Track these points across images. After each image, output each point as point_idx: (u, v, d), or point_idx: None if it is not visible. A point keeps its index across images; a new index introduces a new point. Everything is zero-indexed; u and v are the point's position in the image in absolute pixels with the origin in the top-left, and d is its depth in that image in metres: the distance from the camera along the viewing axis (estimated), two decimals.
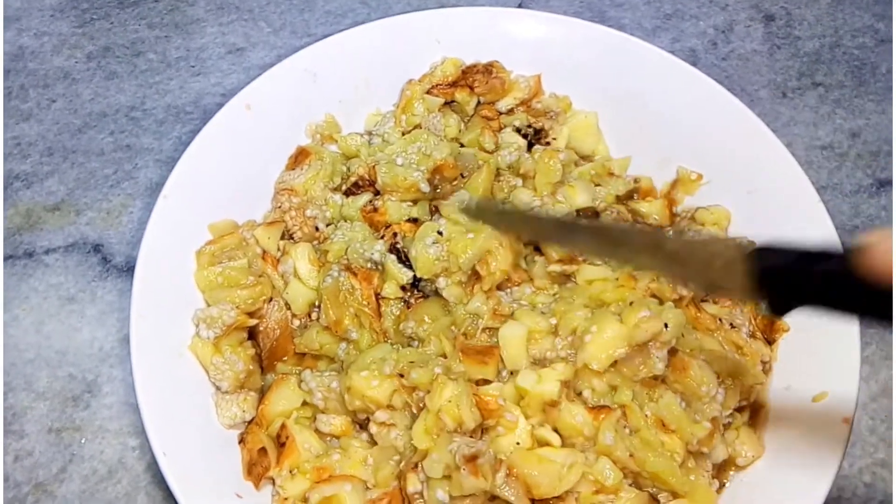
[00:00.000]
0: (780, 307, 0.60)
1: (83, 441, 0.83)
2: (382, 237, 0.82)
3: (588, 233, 0.67)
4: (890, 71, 1.15)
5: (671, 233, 0.72)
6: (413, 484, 0.67)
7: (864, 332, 0.91)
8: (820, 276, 0.55)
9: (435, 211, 0.85)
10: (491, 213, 0.77)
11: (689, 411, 0.71)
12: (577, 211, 0.83)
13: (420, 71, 0.96)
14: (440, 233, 0.78)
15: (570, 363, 0.71)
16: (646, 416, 0.69)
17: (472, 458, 0.64)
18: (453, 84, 0.93)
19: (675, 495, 0.67)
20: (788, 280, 0.58)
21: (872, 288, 0.49)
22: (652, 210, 0.88)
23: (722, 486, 0.71)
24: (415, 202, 0.85)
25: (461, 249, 0.75)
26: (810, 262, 0.56)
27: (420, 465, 0.67)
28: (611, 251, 0.66)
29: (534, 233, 0.76)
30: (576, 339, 0.71)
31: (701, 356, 0.72)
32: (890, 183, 1.05)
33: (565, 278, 0.79)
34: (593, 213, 0.83)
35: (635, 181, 0.91)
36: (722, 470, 0.71)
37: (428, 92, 0.93)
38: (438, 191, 0.86)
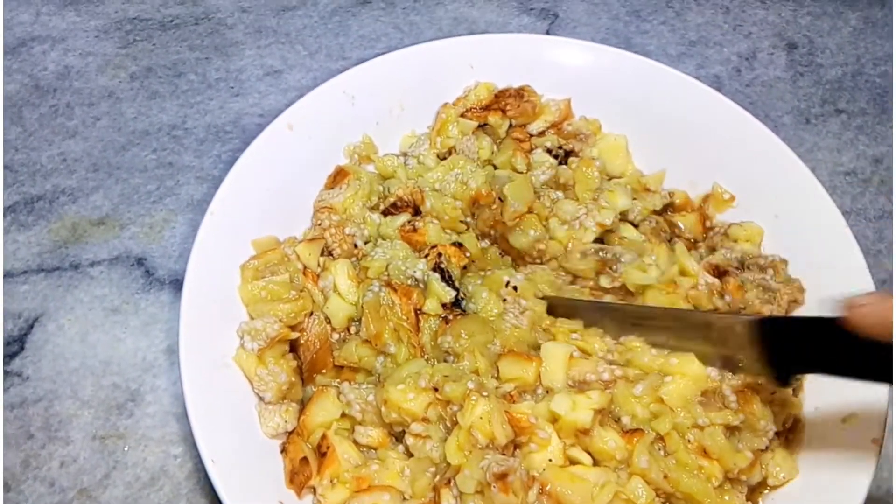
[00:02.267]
0: (784, 377, 0.67)
1: (126, 448, 0.86)
2: (425, 256, 0.84)
3: (610, 315, 0.76)
4: None
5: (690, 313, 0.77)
6: (447, 499, 0.69)
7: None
8: (819, 341, 0.61)
9: (492, 241, 0.87)
10: (573, 309, 0.80)
11: (732, 440, 0.71)
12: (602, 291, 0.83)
13: (453, 95, 0.99)
14: (515, 288, 0.80)
15: (609, 391, 0.72)
16: (688, 441, 0.71)
17: (502, 476, 0.66)
18: (486, 107, 0.97)
19: None
20: (790, 347, 0.64)
21: (865, 347, 0.53)
22: (687, 223, 0.91)
23: None
24: (458, 232, 0.89)
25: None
26: (810, 328, 0.63)
27: (453, 481, 0.69)
28: (637, 332, 0.75)
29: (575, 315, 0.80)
30: (652, 377, 0.72)
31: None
32: None
33: None
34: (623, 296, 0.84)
35: (670, 195, 0.94)
36: (754, 491, 0.72)
37: (462, 115, 0.96)
38: (475, 217, 0.89)
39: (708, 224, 0.92)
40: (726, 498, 0.68)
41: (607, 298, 0.81)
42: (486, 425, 0.69)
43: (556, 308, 0.80)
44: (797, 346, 0.64)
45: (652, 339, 0.74)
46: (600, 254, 0.82)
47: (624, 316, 0.75)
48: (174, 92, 1.16)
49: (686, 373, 0.70)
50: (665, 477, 0.68)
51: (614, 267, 0.81)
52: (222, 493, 0.67)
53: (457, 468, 0.69)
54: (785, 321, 0.66)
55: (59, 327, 0.94)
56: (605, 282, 0.81)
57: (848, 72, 1.21)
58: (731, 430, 0.70)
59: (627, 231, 0.87)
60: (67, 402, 0.89)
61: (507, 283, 0.80)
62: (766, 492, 0.72)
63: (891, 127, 1.15)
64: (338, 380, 0.80)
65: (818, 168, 1.10)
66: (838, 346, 0.59)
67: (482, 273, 0.83)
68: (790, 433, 0.75)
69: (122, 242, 1.01)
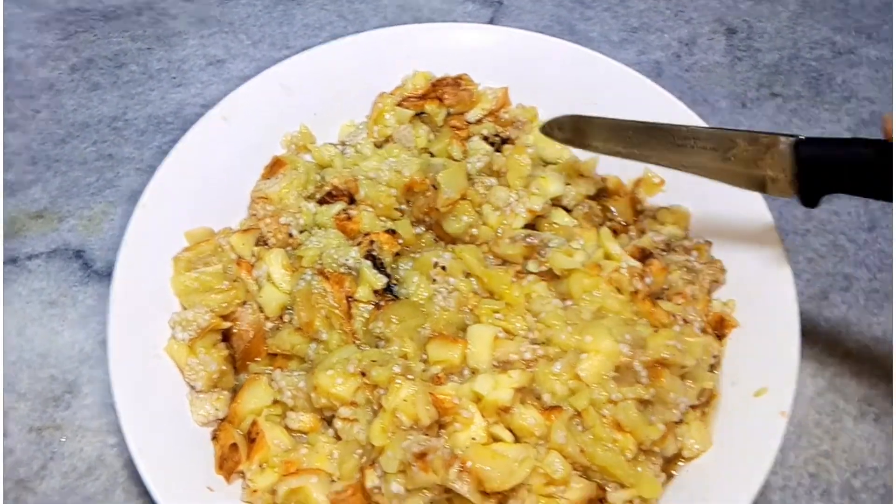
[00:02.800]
0: (813, 196, 0.72)
1: (63, 440, 0.87)
2: (358, 244, 0.85)
3: (656, 135, 0.79)
4: (845, 81, 1.20)
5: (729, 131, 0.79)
6: (371, 479, 0.71)
7: (812, 332, 0.97)
8: (854, 161, 0.67)
9: (427, 228, 0.88)
10: (570, 129, 0.85)
11: (645, 413, 0.74)
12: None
13: (392, 84, 1.00)
14: (443, 268, 0.81)
15: (529, 370, 0.74)
16: (603, 416, 0.73)
17: (422, 455, 0.68)
18: (423, 96, 0.98)
19: (622, 486, 0.71)
20: (826, 167, 0.69)
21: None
22: (618, 207, 0.93)
23: (670, 477, 0.75)
24: (393, 220, 0.90)
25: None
26: (845, 148, 0.69)
27: (377, 462, 0.71)
28: (677, 153, 0.78)
29: (613, 139, 0.83)
30: (570, 355, 0.74)
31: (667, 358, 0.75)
32: None
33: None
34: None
35: (603, 180, 0.96)
36: (670, 462, 0.75)
37: (399, 104, 0.97)
38: (410, 204, 0.90)
39: (639, 207, 0.94)
40: (639, 469, 0.71)
41: (539, 287, 0.82)
42: (410, 407, 0.70)
43: (593, 129, 0.84)
44: (831, 166, 0.70)
45: (695, 160, 0.78)
46: (528, 239, 0.83)
47: (670, 136, 0.78)
48: (115, 83, 1.16)
49: (600, 349, 0.73)
50: (581, 451, 0.70)
51: (542, 252, 0.83)
52: (147, 479, 0.69)
53: (380, 449, 0.70)
54: (823, 142, 0.71)
55: None
56: (532, 266, 0.83)
57: (784, 56, 1.23)
58: (643, 404, 0.73)
59: (559, 217, 0.89)
60: (4, 396, 0.89)
61: (436, 264, 0.81)
62: (681, 463, 0.75)
63: (825, 109, 1.18)
64: (272, 368, 0.82)
65: None
66: (870, 166, 0.66)
67: (413, 256, 0.84)
68: (705, 407, 0.77)
69: (60, 235, 1.01)
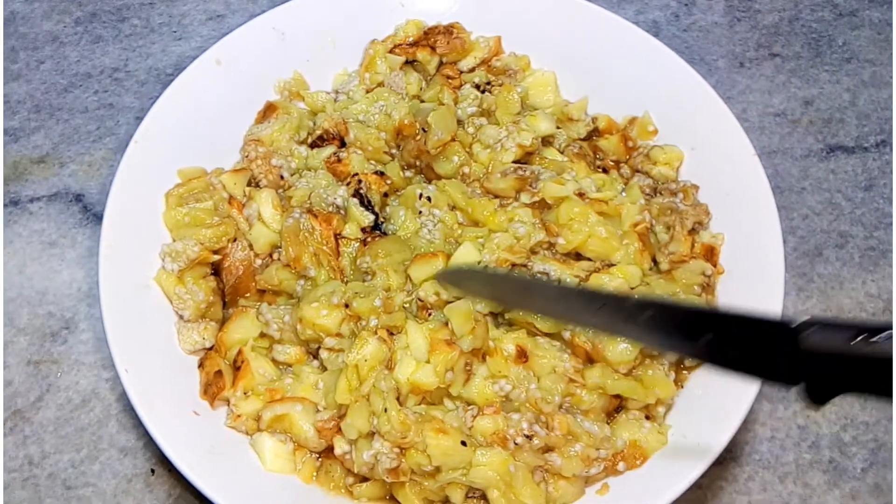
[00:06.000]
0: (821, 395, 0.51)
1: (59, 373, 0.89)
2: (347, 184, 0.87)
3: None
4: (846, 43, 1.19)
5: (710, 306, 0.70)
6: (340, 446, 0.73)
7: (805, 288, 0.97)
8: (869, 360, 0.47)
9: (417, 171, 0.89)
10: (465, 279, 0.75)
11: None
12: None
13: (385, 33, 1.01)
14: (429, 198, 0.82)
15: None
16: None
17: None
18: (415, 44, 0.98)
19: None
20: (836, 365, 0.49)
21: None
22: (609, 145, 0.93)
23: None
24: (383, 163, 0.90)
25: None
26: (857, 340, 0.47)
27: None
28: (634, 334, 0.61)
29: (518, 298, 0.73)
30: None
31: None
32: (840, 147, 1.09)
33: None
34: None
35: (594, 120, 0.96)
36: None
37: (390, 51, 0.98)
38: (400, 149, 0.91)
39: (630, 145, 0.94)
40: (650, 372, 0.73)
41: (522, 211, 0.82)
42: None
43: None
44: (843, 365, 0.49)
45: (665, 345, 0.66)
46: (519, 172, 0.84)
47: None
48: (117, 36, 1.17)
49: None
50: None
51: (533, 184, 0.83)
52: (135, 400, 0.70)
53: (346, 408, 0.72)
54: (831, 333, 0.49)
55: None
56: (525, 198, 0.83)
57: (785, 17, 1.22)
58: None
59: (550, 153, 0.90)
60: (3, 330, 0.91)
61: (421, 196, 0.82)
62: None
63: (824, 70, 1.17)
64: (260, 303, 0.83)
65: (749, 109, 1.12)
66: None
67: (399, 194, 0.85)
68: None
69: (61, 180, 1.03)
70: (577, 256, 0.80)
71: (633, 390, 0.73)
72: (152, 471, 0.83)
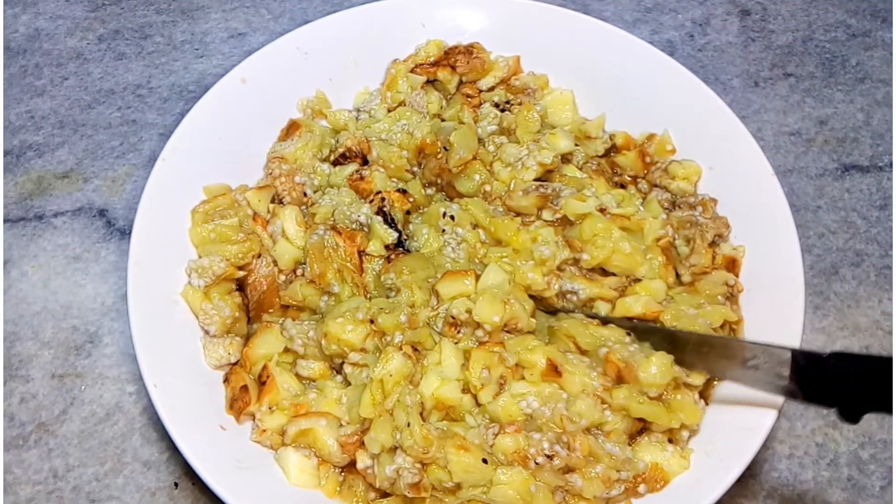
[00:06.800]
0: (853, 414, 0.65)
1: (83, 387, 0.90)
2: (370, 202, 0.88)
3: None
4: (860, 63, 1.21)
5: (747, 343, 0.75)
6: (362, 460, 0.73)
7: (822, 306, 0.97)
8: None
9: (438, 189, 0.90)
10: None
11: None
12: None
13: (407, 52, 1.03)
14: (452, 217, 0.83)
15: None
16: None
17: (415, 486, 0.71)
18: (436, 63, 1.00)
19: None
20: (864, 386, 0.64)
21: None
22: (627, 161, 0.94)
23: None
24: (404, 181, 0.92)
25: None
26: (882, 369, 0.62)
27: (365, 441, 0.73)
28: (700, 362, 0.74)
29: None
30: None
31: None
32: (855, 167, 1.10)
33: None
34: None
35: (611, 137, 0.97)
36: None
37: (412, 71, 0.99)
38: (422, 167, 0.92)
39: (648, 160, 0.95)
40: (678, 397, 0.74)
41: (545, 231, 0.83)
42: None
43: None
44: (871, 386, 0.64)
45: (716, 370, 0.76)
46: (541, 189, 0.85)
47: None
48: (140, 53, 1.19)
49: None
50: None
51: (555, 201, 0.84)
52: (163, 414, 0.71)
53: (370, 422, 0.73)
54: (858, 361, 0.67)
55: (23, 273, 0.97)
56: (547, 216, 0.84)
57: (798, 37, 1.24)
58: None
59: (569, 170, 0.91)
60: (28, 343, 0.92)
61: (444, 214, 0.83)
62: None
63: (838, 90, 1.18)
64: (284, 318, 0.84)
65: (763, 128, 1.13)
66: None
67: (423, 213, 0.86)
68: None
69: (84, 195, 1.04)
70: (602, 272, 0.81)
71: (657, 416, 0.73)
72: (175, 484, 0.83)
